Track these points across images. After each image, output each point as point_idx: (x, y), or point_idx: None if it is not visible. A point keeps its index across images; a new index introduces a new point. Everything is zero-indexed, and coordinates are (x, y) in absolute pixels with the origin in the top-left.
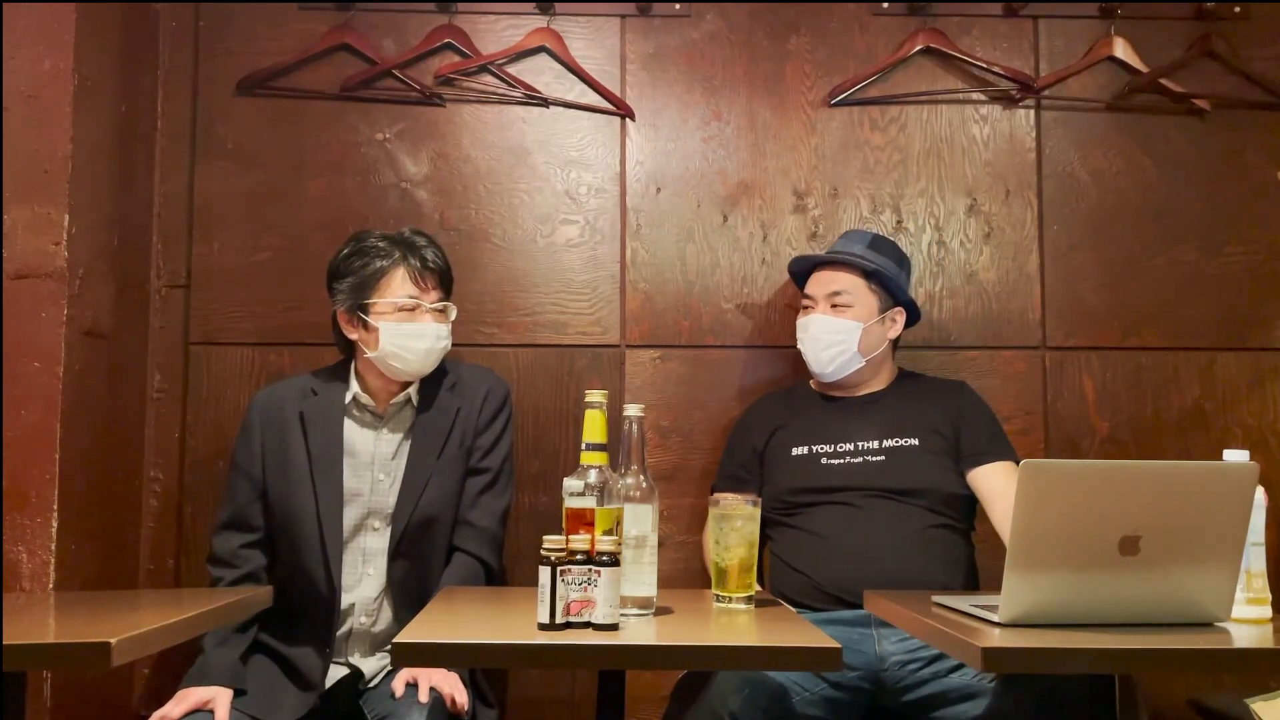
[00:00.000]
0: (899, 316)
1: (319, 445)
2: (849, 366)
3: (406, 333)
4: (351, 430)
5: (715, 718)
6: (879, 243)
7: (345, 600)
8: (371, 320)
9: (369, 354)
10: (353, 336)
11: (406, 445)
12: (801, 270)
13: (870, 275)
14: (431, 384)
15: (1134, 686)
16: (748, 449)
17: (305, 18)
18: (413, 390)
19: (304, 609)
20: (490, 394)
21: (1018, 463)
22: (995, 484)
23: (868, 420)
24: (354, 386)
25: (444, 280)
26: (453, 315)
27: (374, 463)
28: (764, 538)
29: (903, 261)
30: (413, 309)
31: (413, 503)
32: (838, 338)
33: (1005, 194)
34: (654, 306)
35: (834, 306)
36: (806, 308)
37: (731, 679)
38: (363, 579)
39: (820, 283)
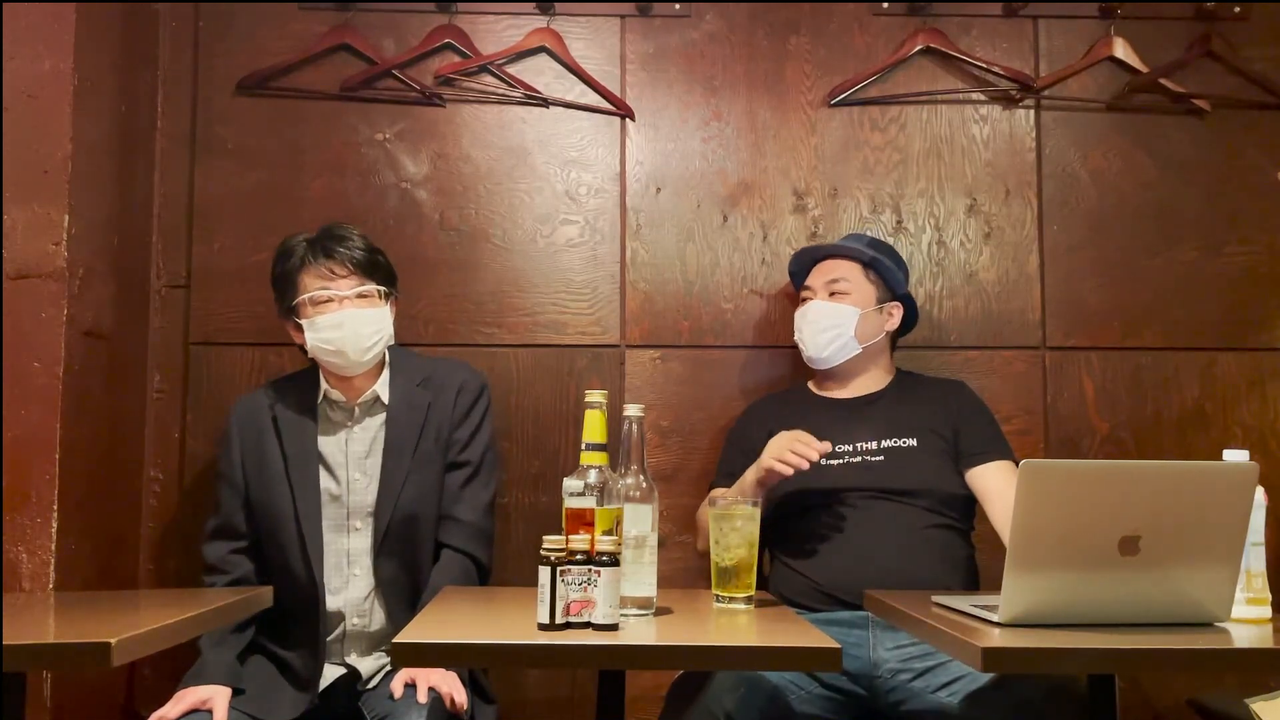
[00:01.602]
0: (896, 310)
1: (294, 446)
2: (845, 352)
3: (322, 325)
4: (324, 430)
5: (711, 717)
6: (877, 244)
7: (335, 602)
8: (300, 321)
9: (309, 354)
10: (299, 341)
11: (380, 444)
12: (800, 268)
13: (868, 264)
14: (402, 380)
15: (1112, 688)
16: (748, 447)
17: (305, 18)
18: (380, 387)
19: (293, 609)
20: (464, 387)
21: (1016, 463)
22: (993, 483)
23: (866, 421)
24: (324, 385)
25: (362, 266)
26: (383, 298)
27: (348, 462)
28: (763, 538)
29: (900, 263)
30: (325, 300)
31: (392, 500)
32: (834, 321)
33: (1005, 194)
34: (654, 306)
35: (832, 294)
36: (805, 299)
37: (727, 679)
38: (350, 580)
39: (819, 273)
